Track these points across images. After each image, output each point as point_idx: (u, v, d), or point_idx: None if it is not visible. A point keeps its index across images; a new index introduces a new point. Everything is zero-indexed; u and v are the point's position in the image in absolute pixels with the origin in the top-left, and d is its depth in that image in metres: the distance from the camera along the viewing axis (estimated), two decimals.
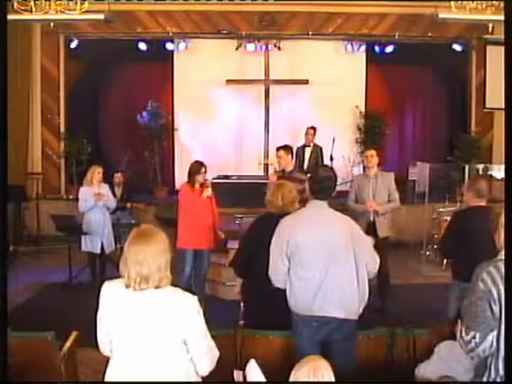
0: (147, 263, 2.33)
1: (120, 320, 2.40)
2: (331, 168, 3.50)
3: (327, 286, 3.13)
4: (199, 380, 2.52)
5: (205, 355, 2.46)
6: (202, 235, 5.70)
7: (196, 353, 2.44)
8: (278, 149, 5.91)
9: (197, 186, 5.70)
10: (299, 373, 2.37)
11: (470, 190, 4.34)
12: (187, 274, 5.65)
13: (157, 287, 2.37)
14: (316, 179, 3.32)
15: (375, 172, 5.97)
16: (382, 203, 5.85)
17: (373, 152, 6.04)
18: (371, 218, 5.84)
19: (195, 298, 2.43)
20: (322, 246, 3.15)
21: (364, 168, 5.95)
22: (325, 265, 3.14)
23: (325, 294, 3.13)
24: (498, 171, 8.85)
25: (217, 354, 2.53)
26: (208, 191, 5.70)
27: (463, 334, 2.32)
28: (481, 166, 9.32)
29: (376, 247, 3.46)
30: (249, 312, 4.08)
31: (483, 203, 4.30)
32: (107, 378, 2.49)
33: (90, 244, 6.84)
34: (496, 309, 2.24)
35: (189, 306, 2.39)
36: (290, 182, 4.10)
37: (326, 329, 3.17)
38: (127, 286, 2.38)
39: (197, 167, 5.72)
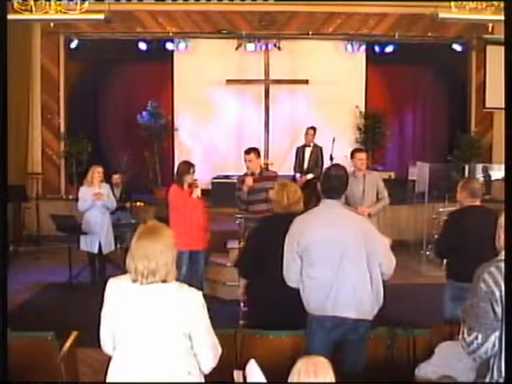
0: (155, 258, 2.35)
1: (125, 314, 2.41)
2: (343, 167, 3.43)
3: (338, 285, 3.11)
4: (202, 377, 2.52)
5: (208, 350, 2.47)
6: (196, 236, 5.66)
7: (200, 348, 2.45)
8: (248, 152, 5.67)
9: (185, 186, 5.66)
10: (299, 373, 2.36)
11: (464, 190, 4.33)
12: (183, 274, 5.60)
13: (163, 281, 2.39)
14: (326, 178, 3.31)
15: (363, 172, 6.03)
16: (371, 204, 5.90)
17: (363, 155, 6.10)
18: None
19: (200, 293, 2.45)
20: (332, 245, 3.13)
21: (353, 170, 5.99)
22: (335, 264, 3.11)
23: (336, 294, 3.11)
24: (498, 171, 8.85)
25: (220, 350, 2.54)
26: (197, 191, 5.65)
27: (465, 335, 2.30)
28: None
29: None
30: (252, 313, 4.07)
31: (477, 203, 4.31)
32: (110, 374, 2.49)
33: (88, 243, 6.84)
34: (498, 310, 2.22)
35: (194, 300, 2.42)
36: (293, 182, 4.12)
37: (340, 329, 3.15)
38: (134, 281, 2.39)
39: (185, 167, 5.68)
